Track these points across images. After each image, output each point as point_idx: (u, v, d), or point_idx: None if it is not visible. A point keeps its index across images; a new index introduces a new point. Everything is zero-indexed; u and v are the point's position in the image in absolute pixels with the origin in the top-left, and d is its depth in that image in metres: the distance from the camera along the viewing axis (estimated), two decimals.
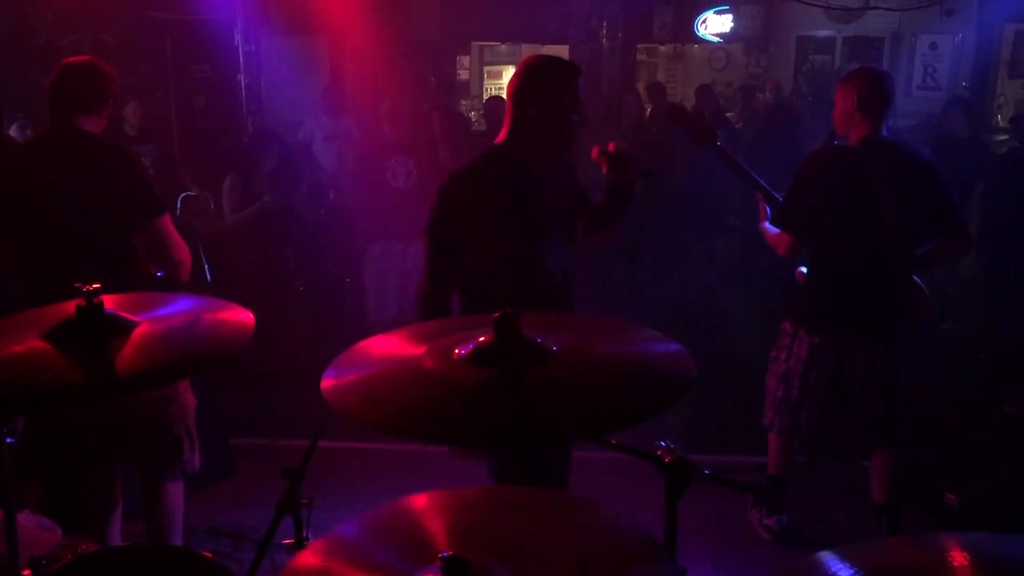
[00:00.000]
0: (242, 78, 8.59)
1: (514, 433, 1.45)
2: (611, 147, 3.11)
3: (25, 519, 2.36)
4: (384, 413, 1.50)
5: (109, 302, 1.83)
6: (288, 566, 1.42)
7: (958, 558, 1.12)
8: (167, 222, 3.23)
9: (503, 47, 14.36)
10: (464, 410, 1.47)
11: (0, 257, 3.25)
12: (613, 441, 1.89)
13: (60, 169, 3.11)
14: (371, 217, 6.02)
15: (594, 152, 3.13)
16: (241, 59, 8.53)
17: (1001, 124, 10.91)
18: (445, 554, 1.25)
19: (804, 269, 3.75)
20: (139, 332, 1.80)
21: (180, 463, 3.31)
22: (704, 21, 11.67)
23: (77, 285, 1.77)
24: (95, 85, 3.20)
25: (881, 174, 3.47)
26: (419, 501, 1.54)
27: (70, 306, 1.80)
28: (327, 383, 1.59)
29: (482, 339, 1.59)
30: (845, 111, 3.58)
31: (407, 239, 5.99)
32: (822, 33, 12.48)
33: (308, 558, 1.43)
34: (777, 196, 3.79)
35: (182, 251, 3.27)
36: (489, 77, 14.57)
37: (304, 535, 1.91)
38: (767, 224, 3.78)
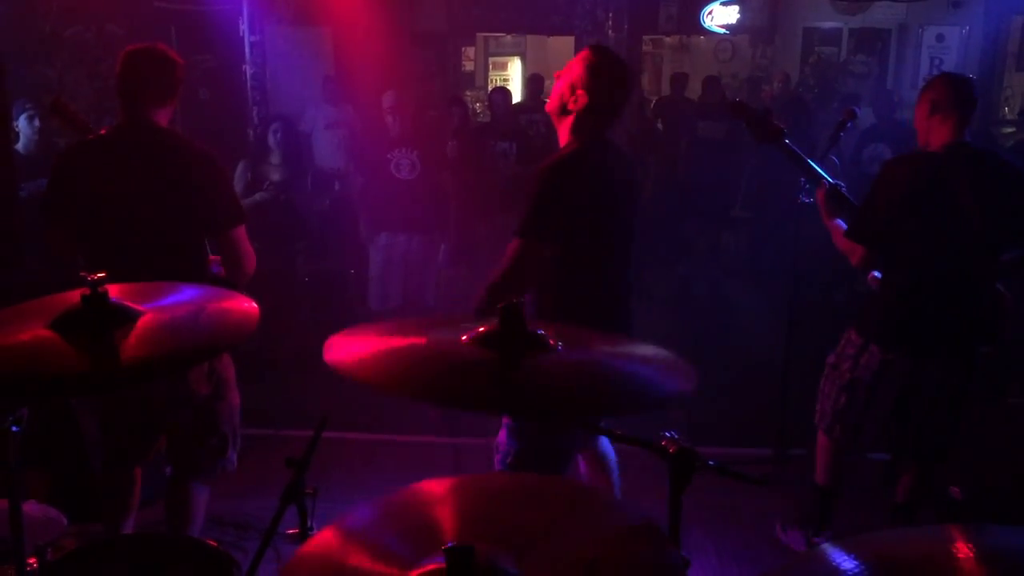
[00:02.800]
0: (247, 68, 8.58)
1: (501, 402, 1.49)
2: None
3: (31, 508, 2.37)
4: (377, 373, 1.53)
5: (114, 291, 1.83)
6: (297, 552, 1.42)
7: (962, 549, 1.12)
8: (242, 233, 3.18)
9: (508, 38, 14.33)
10: (476, 379, 1.50)
11: (52, 244, 3.18)
12: (617, 432, 1.89)
13: (134, 165, 3.04)
14: (375, 208, 6.03)
15: None
16: (246, 49, 8.53)
17: (1009, 116, 10.87)
18: (449, 544, 1.25)
19: (877, 274, 3.57)
20: (144, 321, 1.80)
21: (223, 461, 3.29)
22: (710, 12, 11.63)
23: (83, 274, 1.77)
24: (163, 74, 3.13)
25: (965, 182, 3.26)
26: (429, 488, 1.54)
27: (75, 295, 1.80)
28: (330, 349, 1.63)
29: (487, 328, 1.62)
30: (922, 118, 3.42)
31: (411, 230, 5.99)
32: (828, 24, 12.43)
33: (319, 543, 1.43)
34: (848, 196, 3.64)
35: (251, 261, 3.22)
36: (494, 68, 14.55)
37: (308, 525, 1.92)
38: (838, 223, 3.61)
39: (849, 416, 3.59)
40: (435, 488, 1.54)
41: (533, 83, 8.68)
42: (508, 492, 1.58)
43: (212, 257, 3.27)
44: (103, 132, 3.20)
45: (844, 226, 3.58)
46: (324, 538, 1.44)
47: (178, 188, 3.04)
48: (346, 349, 1.64)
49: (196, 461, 3.26)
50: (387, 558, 1.35)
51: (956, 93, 3.35)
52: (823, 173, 3.74)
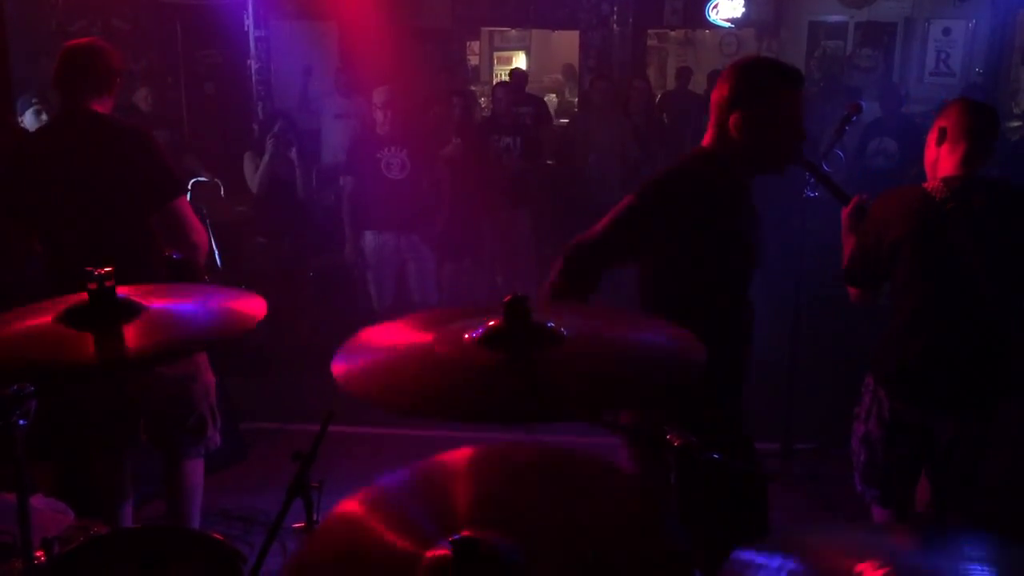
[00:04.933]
0: (252, 63, 8.60)
1: (527, 412, 1.47)
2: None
3: (38, 502, 2.38)
4: (397, 395, 1.52)
5: (123, 291, 1.84)
6: (329, 514, 1.46)
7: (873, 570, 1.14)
8: (184, 204, 3.23)
9: (513, 32, 14.31)
10: (479, 390, 1.49)
11: (13, 241, 3.28)
12: (622, 425, 1.90)
13: (74, 151, 3.12)
14: (365, 207, 6.00)
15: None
16: (251, 44, 8.55)
17: (1016, 111, 10.83)
18: (456, 536, 1.26)
19: None
20: (150, 313, 1.82)
21: (203, 440, 3.37)
22: (715, 6, 11.59)
23: (89, 269, 1.78)
24: (99, 65, 3.20)
25: (966, 220, 2.89)
26: (455, 458, 1.55)
27: (82, 295, 1.81)
28: (338, 369, 1.60)
29: (492, 323, 1.60)
30: (931, 146, 3.07)
31: (400, 229, 5.96)
32: (834, 18, 12.38)
33: (350, 507, 1.45)
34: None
35: (199, 234, 3.27)
36: (499, 63, 14.53)
37: (314, 518, 1.92)
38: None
39: (874, 473, 3.18)
40: (459, 459, 1.55)
41: (517, 77, 8.70)
42: (530, 466, 1.56)
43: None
44: (43, 125, 3.28)
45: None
46: (358, 501, 1.46)
47: (114, 166, 3.11)
48: (354, 369, 1.62)
49: (178, 442, 3.33)
50: (407, 531, 1.35)
51: (968, 120, 2.99)
52: (848, 195, 3.45)
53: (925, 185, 3.01)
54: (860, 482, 3.25)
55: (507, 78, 9.34)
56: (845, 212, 3.37)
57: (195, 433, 3.33)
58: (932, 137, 3.07)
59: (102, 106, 3.21)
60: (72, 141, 3.14)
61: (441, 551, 1.29)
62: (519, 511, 1.39)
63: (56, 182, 3.11)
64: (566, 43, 12.44)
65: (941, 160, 3.02)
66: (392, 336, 1.75)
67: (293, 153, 6.14)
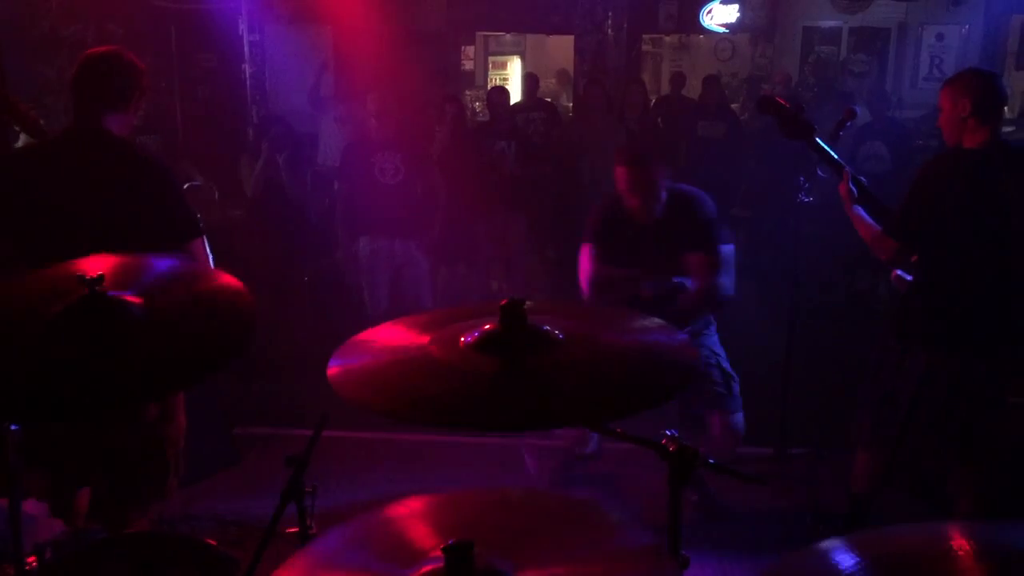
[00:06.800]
0: (247, 67, 8.60)
1: (527, 420, 1.46)
2: None
3: (30, 507, 2.37)
4: (393, 401, 1.50)
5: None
6: None
7: (960, 545, 1.12)
8: (201, 246, 3.05)
9: (508, 37, 14.32)
10: (480, 398, 1.47)
11: (10, 269, 3.10)
12: (618, 430, 1.90)
13: (84, 177, 2.90)
14: (359, 212, 5.99)
15: None
16: (246, 48, 8.55)
17: (1009, 115, 10.87)
18: (450, 542, 1.24)
19: (901, 272, 3.54)
20: (141, 328, 1.76)
21: (160, 492, 3.14)
22: (710, 11, 11.62)
23: (81, 274, 1.77)
24: (121, 78, 2.97)
25: (1006, 179, 3.29)
26: (404, 507, 1.49)
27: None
28: (333, 372, 1.59)
29: (487, 327, 1.59)
30: (957, 116, 3.34)
31: (394, 234, 5.95)
32: (828, 23, 12.42)
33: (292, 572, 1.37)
34: (873, 194, 3.61)
35: None
36: (493, 67, 14.55)
37: (308, 523, 1.92)
38: (859, 211, 3.56)
39: (889, 429, 3.46)
40: (409, 507, 1.48)
41: (530, 82, 8.69)
42: (490, 506, 1.53)
43: None
44: (51, 138, 3.06)
45: (866, 215, 3.53)
46: (296, 566, 1.37)
47: (126, 199, 2.89)
48: (349, 373, 1.60)
49: (134, 489, 3.06)
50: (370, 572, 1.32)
51: (996, 93, 3.35)
52: (845, 164, 3.70)
53: (967, 148, 3.32)
54: (870, 435, 3.57)
55: (521, 82, 9.32)
56: (842, 188, 3.62)
57: (156, 482, 3.07)
58: (963, 107, 3.31)
59: (118, 124, 2.97)
60: (78, 164, 2.90)
61: (426, 568, 1.27)
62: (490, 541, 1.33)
63: (51, 204, 2.86)
64: (561, 48, 12.45)
65: (970, 129, 3.31)
66: (387, 340, 1.74)
67: (281, 159, 6.13)
